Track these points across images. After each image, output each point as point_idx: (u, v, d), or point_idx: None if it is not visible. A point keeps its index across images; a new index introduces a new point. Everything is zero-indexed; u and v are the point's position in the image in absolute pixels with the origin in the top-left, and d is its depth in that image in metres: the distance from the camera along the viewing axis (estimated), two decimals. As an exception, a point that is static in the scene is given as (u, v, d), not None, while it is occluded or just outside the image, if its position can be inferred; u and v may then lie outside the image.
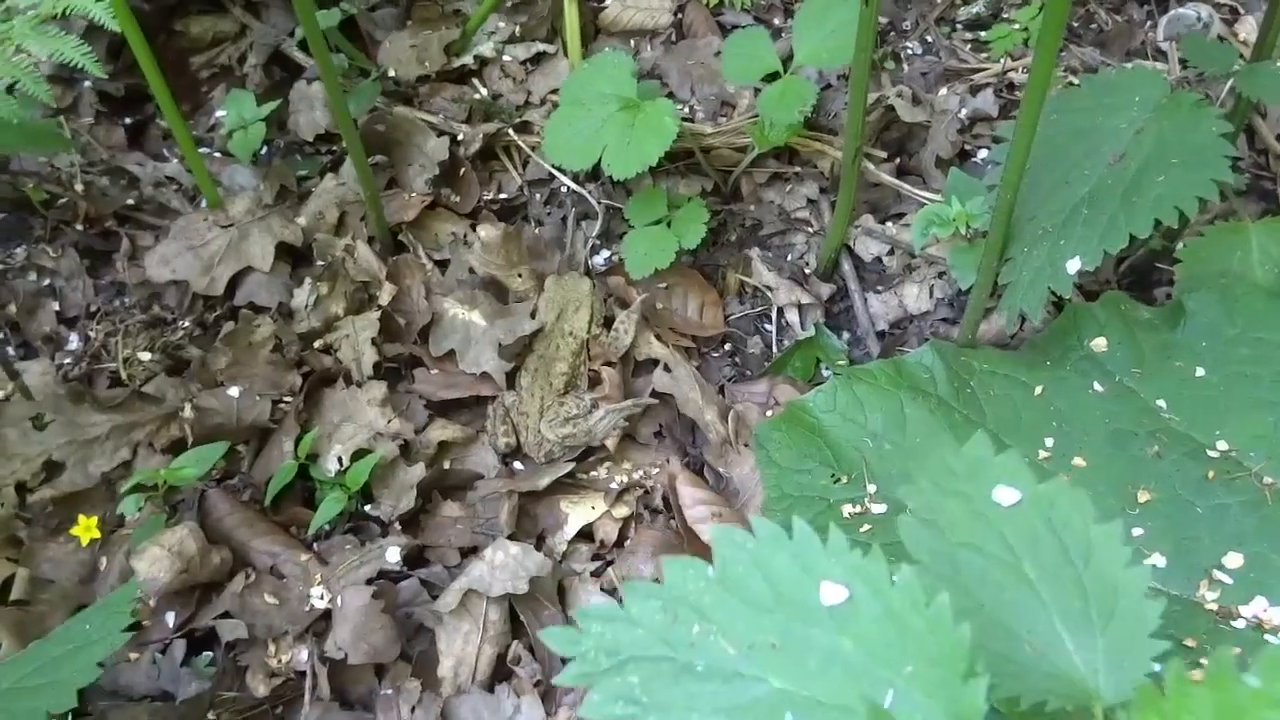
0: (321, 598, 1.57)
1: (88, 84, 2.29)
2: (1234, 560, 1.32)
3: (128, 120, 2.33)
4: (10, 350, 2.00)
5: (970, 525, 0.87)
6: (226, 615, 1.53)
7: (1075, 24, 2.25)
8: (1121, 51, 2.15)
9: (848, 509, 1.54)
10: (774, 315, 1.97)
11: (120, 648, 1.14)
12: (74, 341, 2.02)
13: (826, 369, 1.91)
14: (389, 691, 1.49)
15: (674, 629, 0.77)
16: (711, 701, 0.72)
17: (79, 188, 2.10)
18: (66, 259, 2.11)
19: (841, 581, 0.71)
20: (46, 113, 2.24)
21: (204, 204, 2.10)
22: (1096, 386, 1.55)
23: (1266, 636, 1.23)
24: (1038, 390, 1.58)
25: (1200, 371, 1.51)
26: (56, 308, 2.06)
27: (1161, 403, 1.50)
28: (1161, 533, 1.37)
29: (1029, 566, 0.84)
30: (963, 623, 0.67)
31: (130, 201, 2.19)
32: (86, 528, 1.52)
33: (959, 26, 2.29)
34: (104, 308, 2.06)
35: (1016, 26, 2.11)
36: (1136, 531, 1.38)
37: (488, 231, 1.87)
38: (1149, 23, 2.20)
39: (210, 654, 1.54)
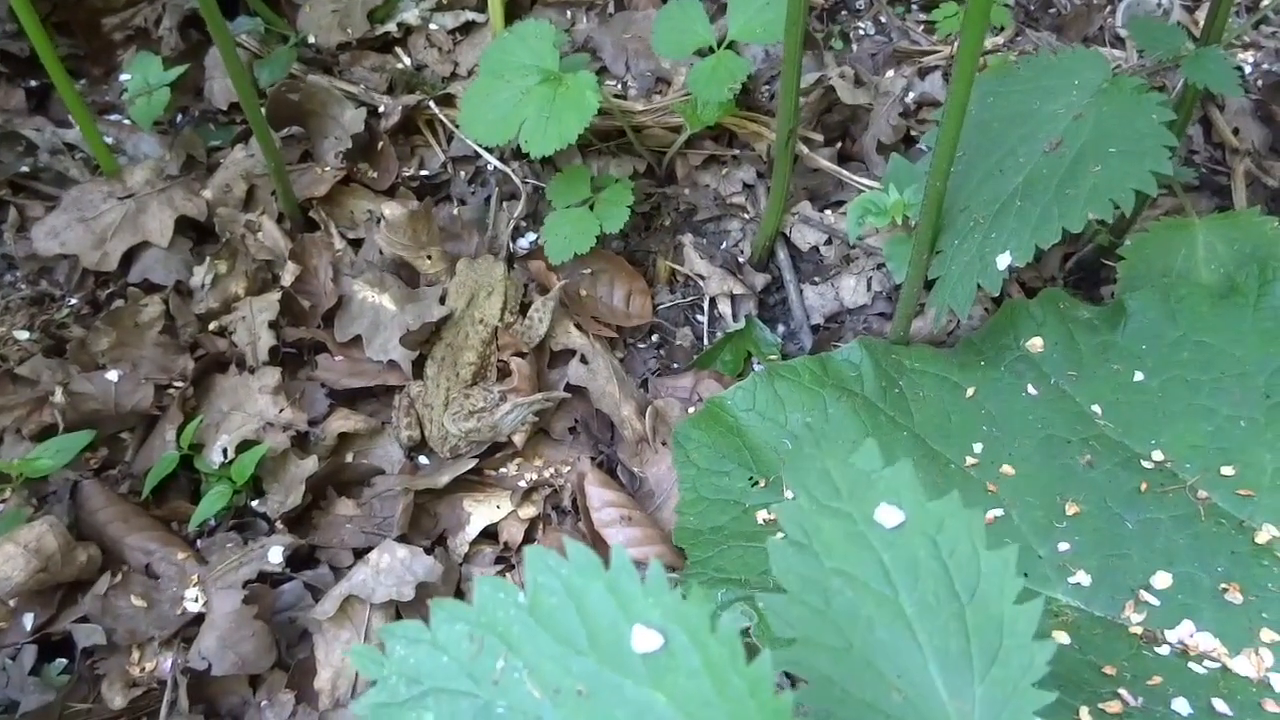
0: (196, 600, 1.46)
1: (-12, 43, 2.14)
2: (1162, 580, 1.23)
3: (32, 83, 2.18)
4: (-115, 325, 1.86)
5: (847, 550, 0.77)
6: (85, 620, 1.41)
7: (1033, 7, 2.15)
8: (1079, 37, 2.05)
9: (762, 515, 1.44)
10: (705, 305, 1.87)
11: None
12: (-46, 317, 1.88)
13: (758, 364, 1.81)
14: (261, 703, 1.37)
15: (479, 661, 0.67)
16: (514, 754, 0.62)
17: (-36, 152, 1.96)
18: (-48, 228, 1.97)
19: (658, 626, 0.60)
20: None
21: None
22: (1030, 389, 1.46)
23: (1190, 664, 1.14)
24: (969, 392, 1.49)
25: (1139, 376, 1.42)
26: (-63, 279, 1.92)
27: (1097, 408, 1.41)
28: (1089, 548, 1.28)
29: (907, 600, 0.74)
30: (784, 691, 0.56)
31: (25, 169, 2.05)
32: (-74, 522, 1.39)
33: (914, 7, 2.18)
34: (-11, 282, 1.92)
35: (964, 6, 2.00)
36: (1063, 546, 1.29)
37: (393, 210, 1.74)
38: (1109, 8, 2.11)
39: (65, 661, 1.41)
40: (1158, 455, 1.35)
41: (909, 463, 0.81)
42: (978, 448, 1.43)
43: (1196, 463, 1.33)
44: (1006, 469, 1.39)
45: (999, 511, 1.34)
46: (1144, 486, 1.32)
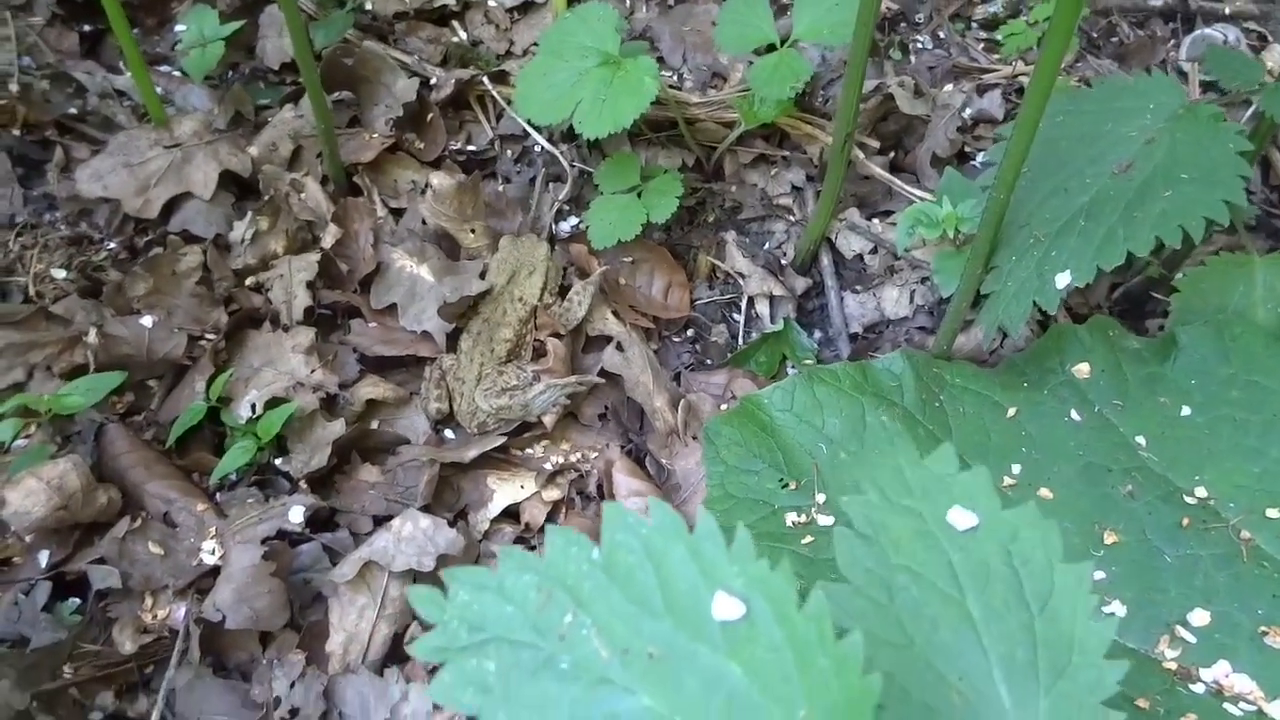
0: (213, 553, 1.44)
1: (46, -17, 2.14)
2: (1200, 618, 1.21)
3: (86, 27, 2.17)
4: (-79, 253, 1.85)
5: (915, 547, 0.75)
6: (102, 561, 1.39)
7: (1095, 34, 2.13)
8: (1141, 66, 2.03)
9: (792, 517, 1.42)
10: (744, 304, 1.85)
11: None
12: (-8, 251, 1.87)
13: (792, 367, 1.79)
14: (270, 661, 1.35)
15: (545, 613, 0.65)
16: (569, 708, 0.60)
17: (14, 88, 1.95)
18: (-3, 163, 1.96)
19: (740, 595, 0.58)
20: (-2, 7, 2.09)
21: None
22: (1074, 415, 1.44)
23: (1225, 705, 1.12)
24: (1010, 412, 1.47)
25: (1186, 411, 1.40)
26: (-22, 213, 1.91)
27: (1141, 439, 1.39)
28: (1126, 579, 1.25)
29: (974, 603, 0.72)
30: (874, 672, 0.54)
31: (73, 111, 2.04)
32: (-46, 449, 1.37)
33: (974, 25, 2.17)
34: (29, 220, 1.90)
35: (1035, 28, 1.99)
36: (1099, 575, 1.26)
37: (441, 180, 1.73)
38: (1172, 41, 2.09)
39: (79, 601, 1.39)
40: (1201, 492, 1.33)
41: (985, 469, 0.79)
42: (1016, 469, 1.41)
43: (1241, 503, 1.30)
44: (1045, 492, 1.37)
45: (1036, 534, 1.32)
46: (1185, 522, 1.30)
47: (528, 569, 0.63)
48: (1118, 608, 1.23)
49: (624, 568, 0.61)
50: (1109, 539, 1.30)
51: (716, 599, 0.59)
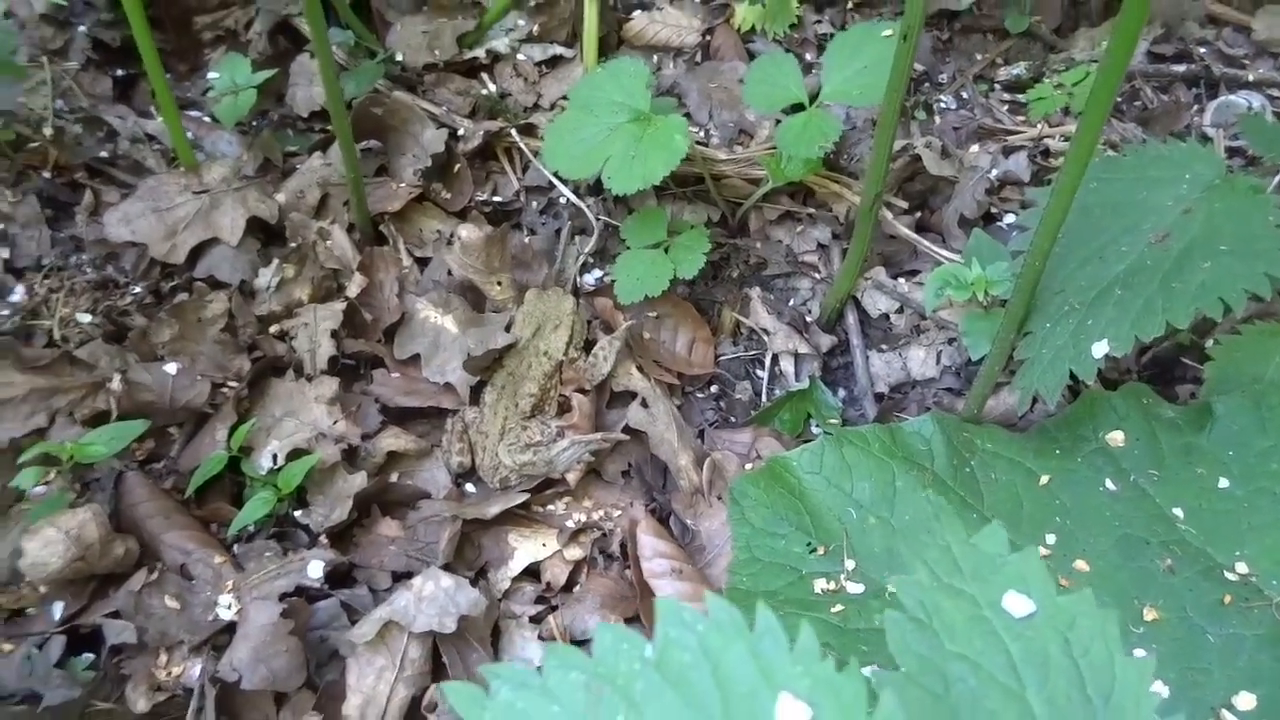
0: (229, 607, 1.41)
1: (82, 29, 2.17)
2: (1246, 701, 1.17)
3: (119, 72, 2.20)
4: (-51, 294, 1.86)
5: (971, 634, 0.73)
6: (116, 615, 1.36)
7: (1119, 99, 2.14)
8: (1165, 132, 2.04)
9: (820, 584, 1.39)
10: (768, 361, 1.83)
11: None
12: (18, 294, 1.86)
13: (817, 426, 1.77)
14: (286, 724, 1.32)
15: (595, 714, 0.62)
16: (625, 823, 0.57)
17: (48, 131, 1.96)
18: (26, 205, 1.97)
19: (805, 698, 0.56)
20: (34, 52, 2.12)
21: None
22: (1109, 484, 1.41)
23: (1278, 795, 1.08)
24: (1044, 480, 1.44)
25: (1224, 483, 1.37)
26: (6, 255, 1.91)
27: (1178, 511, 1.36)
28: (1168, 658, 1.22)
29: (1035, 697, 0.69)
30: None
31: (104, 154, 2.06)
32: (-26, 498, 1.36)
33: (997, 86, 2.18)
34: (56, 263, 1.91)
35: (1059, 90, 2.00)
36: (1139, 653, 1.23)
37: (469, 231, 1.73)
38: (1196, 106, 2.10)
39: (92, 656, 1.37)
40: (1242, 568, 1.30)
41: (1036, 550, 0.76)
42: (1050, 539, 1.38)
43: (1284, 579, 1.27)
44: (1081, 564, 1.34)
45: (1072, 607, 1.29)
46: (1227, 599, 1.27)
47: (574, 666, 0.61)
48: (1160, 688, 1.20)
49: (678, 667, 0.58)
50: (1149, 615, 1.27)
51: (781, 703, 0.56)
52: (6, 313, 1.82)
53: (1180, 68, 2.13)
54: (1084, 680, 0.69)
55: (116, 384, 1.56)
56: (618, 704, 0.59)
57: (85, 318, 1.74)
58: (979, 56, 2.21)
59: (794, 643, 0.59)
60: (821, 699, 0.56)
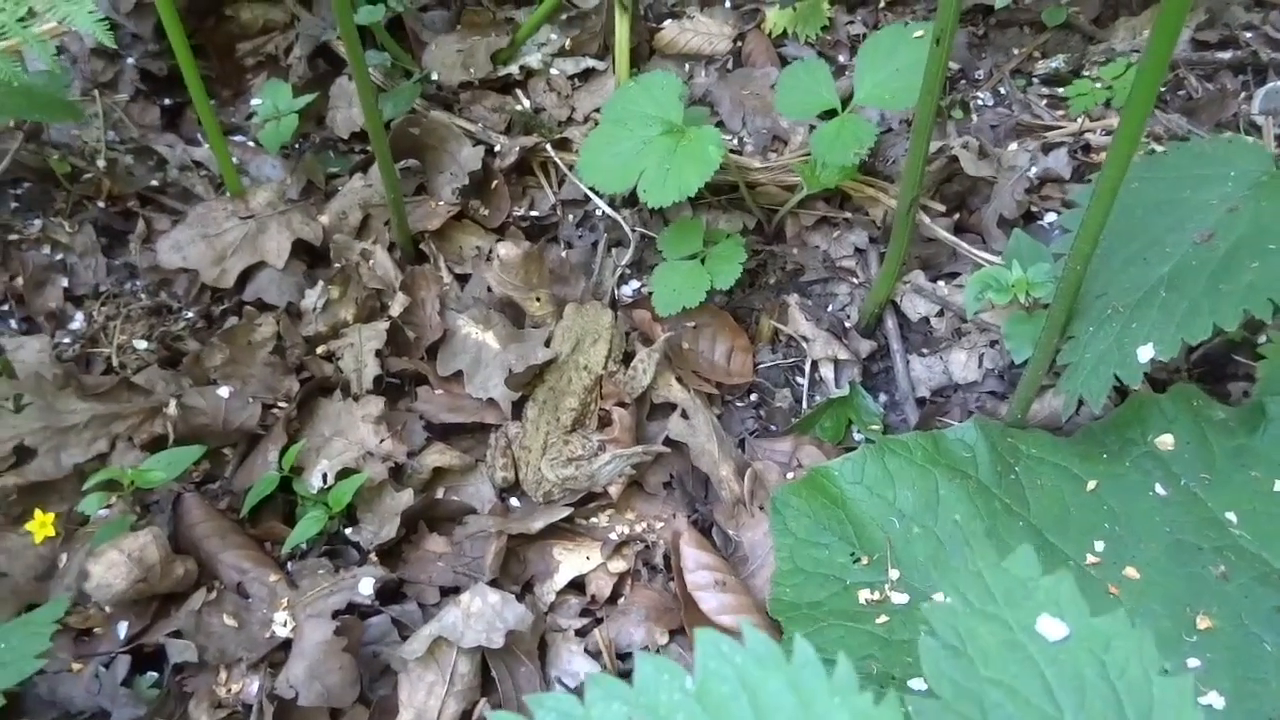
0: (285, 624, 1.45)
1: (130, 60, 2.24)
2: (1306, 711, 1.15)
3: (166, 101, 2.27)
4: (13, 324, 1.94)
5: (1005, 659, 0.73)
6: (178, 634, 1.42)
7: (1163, 89, 2.09)
8: (1211, 122, 1.98)
9: (865, 594, 1.39)
10: (807, 368, 1.83)
11: (39, 668, 1.02)
12: (78, 321, 1.94)
13: (858, 433, 1.76)
14: (341, 739, 1.36)
15: (636, 745, 0.64)
16: None
17: (101, 164, 2.04)
18: (83, 235, 2.04)
19: (840, 733, 0.57)
20: (86, 86, 2.19)
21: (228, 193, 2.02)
22: (1159, 489, 1.39)
23: (1340, 809, 1.05)
24: (1091, 485, 1.42)
25: (1279, 486, 1.34)
26: (65, 284, 1.99)
27: (1232, 515, 1.33)
28: (1222, 667, 1.20)
29: (1073, 722, 0.69)
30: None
31: (155, 183, 2.13)
32: (42, 524, 1.42)
33: (1035, 80, 2.14)
34: (112, 290, 1.98)
35: (1099, 85, 1.96)
36: (1193, 663, 1.21)
37: (508, 249, 1.75)
38: (1243, 94, 2.04)
39: (156, 674, 1.42)
40: (1300, 573, 1.27)
41: (1069, 574, 0.76)
42: (1099, 545, 1.36)
43: (1343, 585, 1.24)
44: (1130, 571, 1.32)
45: (1122, 616, 1.27)
46: (1284, 605, 1.24)
47: (616, 697, 0.62)
48: (1215, 699, 1.18)
49: (718, 698, 0.59)
50: (1202, 624, 1.24)
51: (816, 736, 0.57)
52: (68, 340, 1.89)
53: (1226, 54, 2.08)
54: (1121, 702, 0.69)
55: (173, 409, 1.61)
56: (657, 735, 0.60)
57: (141, 344, 1.80)
58: (1016, 51, 2.17)
59: (831, 674, 0.59)
60: (855, 734, 0.56)
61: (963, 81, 2.16)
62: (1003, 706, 0.70)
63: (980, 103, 2.11)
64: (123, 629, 1.45)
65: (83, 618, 1.46)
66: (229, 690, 1.38)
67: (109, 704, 1.35)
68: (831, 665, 0.60)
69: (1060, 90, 2.08)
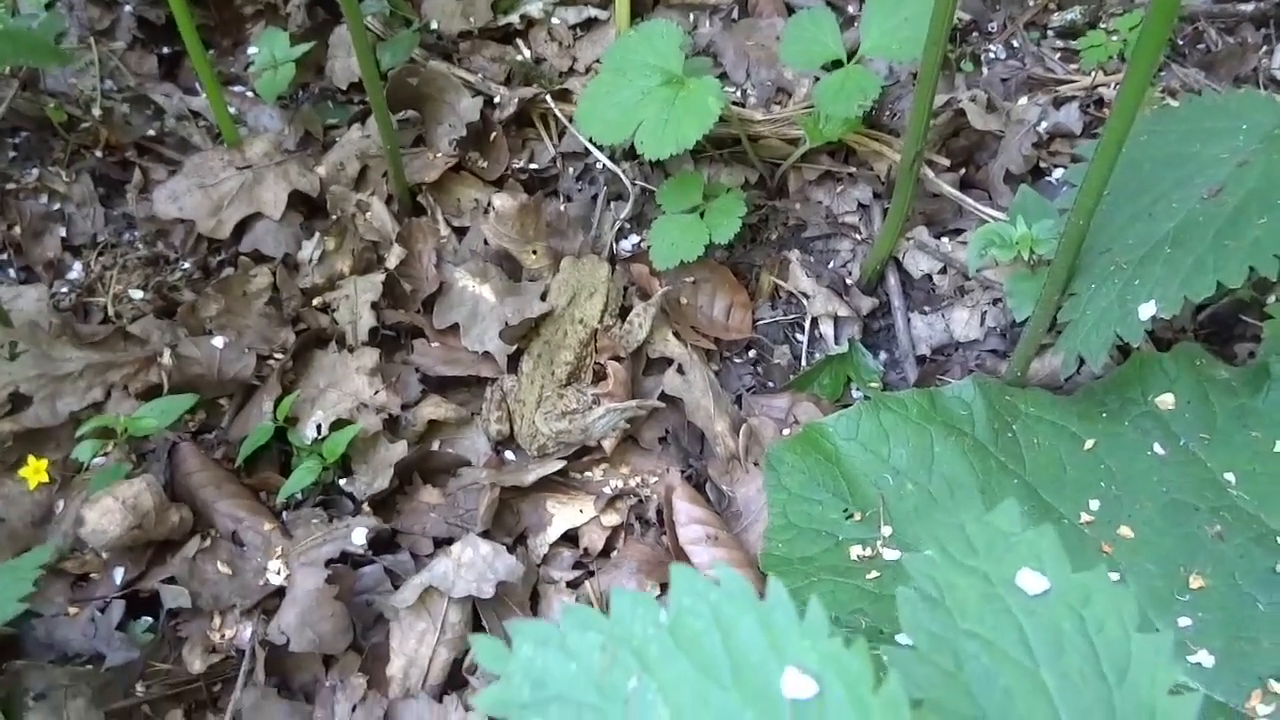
0: (278, 573, 1.46)
1: (128, 8, 2.21)
2: (1296, 671, 1.14)
3: (164, 50, 2.23)
4: (11, 273, 1.93)
5: (983, 612, 0.72)
6: (173, 580, 1.43)
7: (1181, 42, 2.03)
8: (1230, 76, 1.93)
9: (857, 550, 1.39)
10: (807, 325, 1.81)
11: (21, 610, 1.02)
12: (76, 270, 1.93)
13: (857, 390, 1.75)
14: (333, 684, 1.37)
15: (611, 674, 0.63)
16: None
17: (97, 112, 2.01)
18: (80, 185, 2.03)
19: (812, 672, 0.56)
20: (82, 33, 2.16)
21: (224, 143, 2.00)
22: (1157, 448, 1.37)
23: (1325, 768, 1.05)
24: (1088, 444, 1.40)
25: (1280, 446, 1.32)
26: (64, 234, 1.98)
27: (1230, 476, 1.32)
28: (1214, 627, 1.19)
29: (1048, 674, 0.68)
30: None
31: (152, 132, 2.10)
32: (35, 470, 1.42)
33: (1050, 33, 2.08)
34: (110, 240, 1.97)
35: (1114, 37, 1.91)
36: (1184, 621, 1.20)
37: (503, 201, 1.73)
38: (1265, 48, 1.98)
39: (151, 619, 1.43)
40: (1297, 534, 1.25)
41: (1052, 528, 0.75)
42: (1094, 504, 1.35)
43: (1341, 547, 1.22)
44: (1125, 530, 1.31)
45: (1114, 576, 1.26)
46: (1279, 568, 1.23)
47: (591, 627, 0.62)
48: (1205, 658, 1.17)
49: (691, 634, 0.59)
50: (1195, 583, 1.23)
51: (787, 675, 0.57)
52: (65, 290, 1.89)
53: (1248, 6, 2.01)
54: (1099, 657, 0.68)
55: (167, 358, 1.61)
56: (632, 665, 0.60)
57: (137, 293, 1.79)
58: (1031, 2, 2.11)
59: (803, 616, 0.59)
60: (828, 674, 0.56)
61: (975, 34, 2.11)
62: (978, 658, 0.69)
63: (992, 55, 2.05)
64: (119, 574, 1.46)
65: (79, 563, 1.47)
66: (222, 635, 1.40)
67: (104, 647, 1.37)
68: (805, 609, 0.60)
69: (1074, 43, 2.02)
